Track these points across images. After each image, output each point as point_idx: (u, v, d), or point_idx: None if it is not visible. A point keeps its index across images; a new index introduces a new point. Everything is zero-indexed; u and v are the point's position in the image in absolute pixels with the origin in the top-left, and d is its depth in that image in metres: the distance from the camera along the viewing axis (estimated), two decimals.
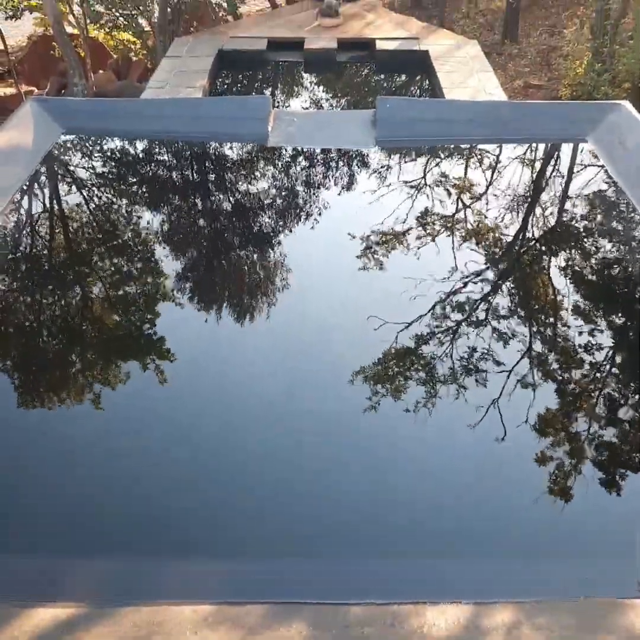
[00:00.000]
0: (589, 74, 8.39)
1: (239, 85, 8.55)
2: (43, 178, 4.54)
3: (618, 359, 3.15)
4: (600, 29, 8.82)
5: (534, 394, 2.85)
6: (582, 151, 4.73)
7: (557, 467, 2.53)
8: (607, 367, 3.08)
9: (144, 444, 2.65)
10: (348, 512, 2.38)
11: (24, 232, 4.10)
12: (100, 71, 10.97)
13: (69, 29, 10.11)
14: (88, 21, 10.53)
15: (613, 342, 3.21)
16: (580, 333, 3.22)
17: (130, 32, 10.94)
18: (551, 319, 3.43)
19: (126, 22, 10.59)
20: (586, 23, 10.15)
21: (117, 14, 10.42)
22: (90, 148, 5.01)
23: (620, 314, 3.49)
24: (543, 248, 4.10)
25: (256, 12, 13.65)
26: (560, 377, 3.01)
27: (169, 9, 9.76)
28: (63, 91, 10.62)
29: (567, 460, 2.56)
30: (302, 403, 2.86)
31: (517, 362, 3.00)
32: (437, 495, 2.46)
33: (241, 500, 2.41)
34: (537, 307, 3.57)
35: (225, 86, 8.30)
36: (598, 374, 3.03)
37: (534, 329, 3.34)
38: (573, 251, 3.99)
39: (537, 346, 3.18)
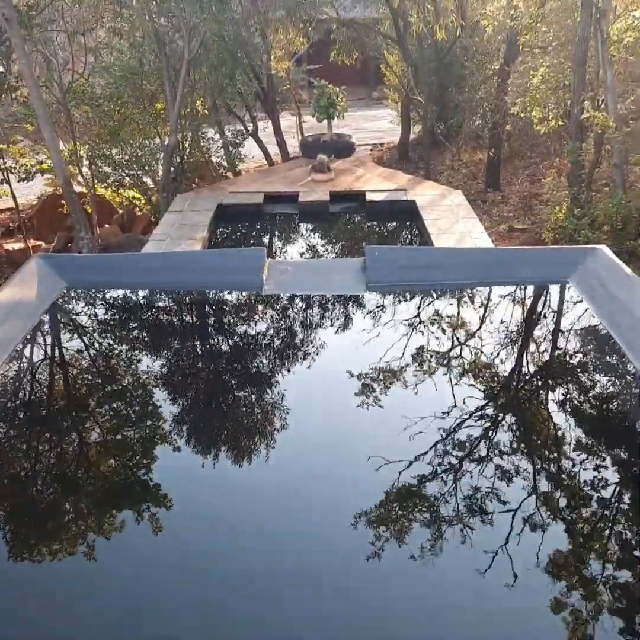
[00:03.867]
0: (569, 218, 8.84)
1: (237, 234, 8.98)
2: (45, 330, 4.66)
3: (625, 495, 3.07)
4: (577, 178, 9.41)
5: (543, 534, 2.75)
6: (565, 293, 4.92)
7: (573, 614, 2.39)
8: (616, 504, 3.00)
9: (135, 600, 2.52)
10: None
11: (24, 380, 4.14)
12: (106, 225, 11.55)
13: (78, 188, 10.76)
14: (96, 181, 11.24)
15: (618, 478, 3.15)
16: (585, 469, 3.16)
17: (135, 190, 11.65)
18: (554, 455, 3.38)
19: (132, 181, 11.31)
20: (563, 172, 10.86)
21: (124, 174, 11.15)
22: (92, 300, 5.17)
23: (622, 449, 3.45)
24: (538, 384, 4.14)
25: (254, 168, 14.59)
26: (569, 516, 2.92)
27: (172, 168, 10.46)
28: (69, 245, 11.11)
29: (583, 606, 2.43)
30: (303, 547, 2.76)
31: (523, 501, 2.92)
32: None
33: None
34: (539, 442, 3.53)
35: (225, 237, 8.70)
36: (607, 512, 2.94)
37: (538, 465, 3.29)
38: (568, 387, 4.03)
39: (543, 483, 3.11)
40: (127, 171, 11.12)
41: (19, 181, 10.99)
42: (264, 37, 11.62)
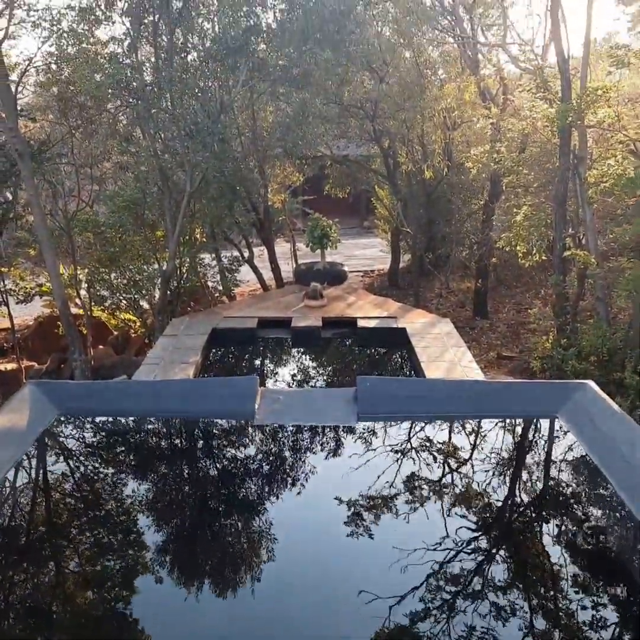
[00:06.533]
0: (556, 348, 9.02)
1: (231, 358, 9.06)
2: (36, 457, 4.63)
3: (625, 636, 2.95)
4: (562, 309, 9.70)
5: None
6: (554, 427, 4.97)
7: None
8: None
9: None
10: None
11: (9, 508, 4.06)
12: (100, 346, 11.65)
13: (74, 310, 10.96)
14: (93, 303, 11.48)
15: (617, 617, 3.03)
16: (583, 608, 3.05)
17: (130, 312, 11.87)
18: (550, 591, 3.27)
19: (128, 304, 11.56)
20: (548, 302, 11.20)
21: (121, 298, 11.41)
22: (84, 428, 5.17)
23: (619, 586, 3.35)
24: (531, 517, 4.08)
25: (249, 292, 14.97)
26: None
27: (168, 292, 10.72)
28: (62, 366, 11.15)
29: None
30: None
31: None
32: None
33: None
34: (534, 577, 3.43)
35: (218, 361, 8.78)
36: None
37: (534, 602, 3.17)
38: (561, 521, 3.97)
39: (540, 622, 2.99)
40: (124, 295, 11.39)
41: (17, 303, 11.21)
42: (261, 173, 12.31)
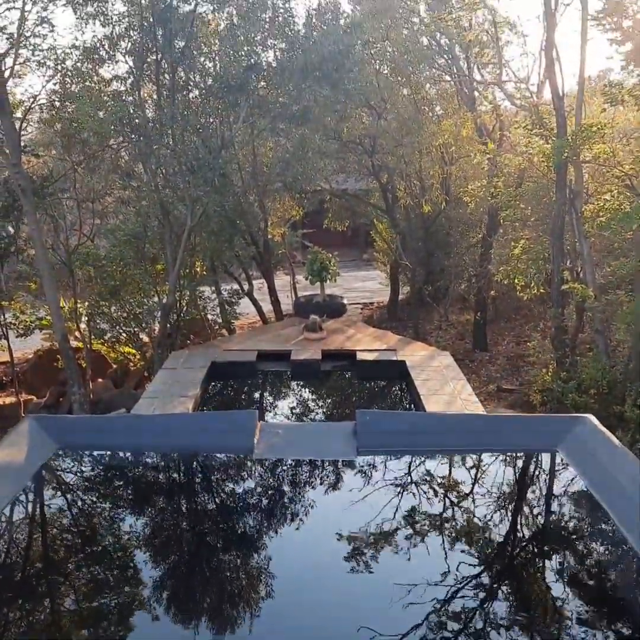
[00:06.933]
0: (556, 381, 9.01)
1: (230, 392, 9.05)
2: (34, 492, 4.59)
3: None
4: (561, 342, 9.72)
5: None
6: (554, 461, 4.95)
7: None
8: None
9: None
10: None
11: (6, 544, 4.01)
12: (100, 380, 11.63)
13: (74, 343, 10.96)
14: (93, 336, 11.49)
15: None
16: None
17: (130, 345, 11.88)
18: (553, 628, 3.23)
19: (128, 337, 11.57)
20: (547, 335, 11.22)
21: (121, 331, 11.43)
22: (83, 463, 5.15)
23: (623, 622, 3.31)
24: (532, 552, 4.04)
25: (248, 325, 15.00)
26: None
27: (168, 325, 10.74)
28: (61, 399, 11.12)
29: None
30: None
31: None
32: None
33: None
34: (536, 614, 3.38)
35: (217, 395, 8.75)
36: None
37: None
38: (563, 555, 3.93)
39: None
40: (124, 328, 11.41)
41: (17, 337, 11.22)
42: (262, 207, 12.44)
